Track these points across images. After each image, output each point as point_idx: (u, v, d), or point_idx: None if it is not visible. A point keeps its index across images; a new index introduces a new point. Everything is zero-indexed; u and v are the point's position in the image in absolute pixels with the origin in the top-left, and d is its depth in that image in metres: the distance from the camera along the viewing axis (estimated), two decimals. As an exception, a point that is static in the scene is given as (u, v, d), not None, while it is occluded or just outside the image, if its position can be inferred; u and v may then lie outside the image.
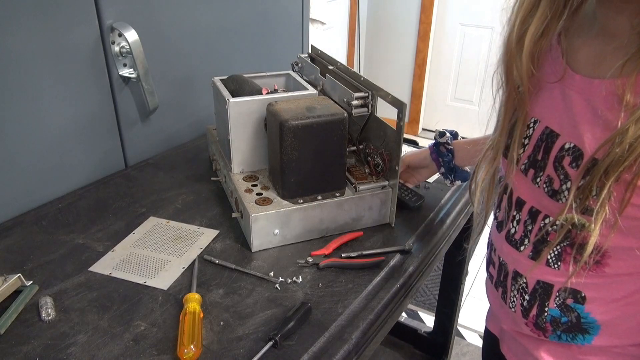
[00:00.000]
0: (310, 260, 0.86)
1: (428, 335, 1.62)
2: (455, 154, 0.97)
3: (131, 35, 1.07)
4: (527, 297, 0.67)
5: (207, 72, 1.28)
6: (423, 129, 3.71)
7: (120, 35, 1.07)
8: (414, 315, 2.04)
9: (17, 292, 0.77)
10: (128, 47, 1.08)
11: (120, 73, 1.12)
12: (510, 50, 0.62)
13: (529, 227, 0.65)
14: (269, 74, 1.13)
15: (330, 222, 0.93)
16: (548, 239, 0.62)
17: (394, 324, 0.83)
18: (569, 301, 0.62)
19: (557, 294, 0.63)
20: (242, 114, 0.96)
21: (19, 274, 0.77)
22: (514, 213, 0.67)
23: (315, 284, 0.81)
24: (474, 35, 3.26)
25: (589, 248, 0.55)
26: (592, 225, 0.54)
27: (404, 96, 3.56)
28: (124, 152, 1.20)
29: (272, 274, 0.83)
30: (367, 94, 0.95)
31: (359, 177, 0.97)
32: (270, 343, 0.68)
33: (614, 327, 0.62)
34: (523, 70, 0.61)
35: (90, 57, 1.05)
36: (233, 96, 0.96)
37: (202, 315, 0.73)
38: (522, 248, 0.66)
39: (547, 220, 0.62)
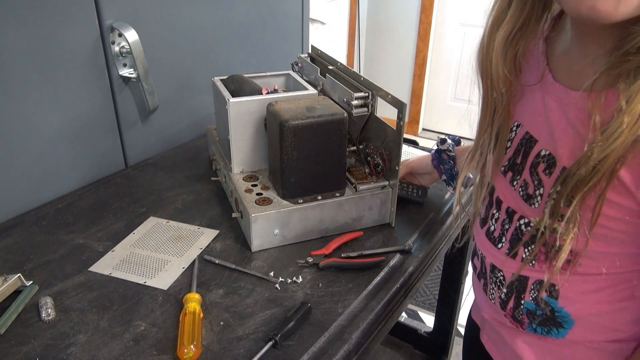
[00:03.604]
0: (310, 260, 0.86)
1: (428, 335, 1.62)
2: (457, 160, 0.97)
3: (131, 35, 1.07)
4: (504, 289, 0.69)
5: (207, 72, 1.29)
6: (423, 129, 3.71)
7: (120, 35, 1.07)
8: (414, 315, 2.04)
9: (17, 292, 0.77)
10: (128, 47, 1.08)
11: (120, 73, 1.12)
12: (482, 54, 0.62)
13: (506, 226, 0.67)
14: (269, 74, 1.13)
15: (330, 222, 0.93)
16: (522, 239, 0.64)
17: (394, 324, 0.83)
18: (543, 295, 0.64)
19: (532, 287, 0.65)
20: (242, 114, 0.96)
21: (19, 274, 0.78)
22: (494, 211, 0.70)
23: (315, 284, 0.81)
24: (474, 35, 3.25)
25: (563, 254, 0.57)
26: (565, 233, 0.55)
27: (404, 96, 3.56)
28: (124, 152, 1.20)
29: (272, 274, 0.83)
30: (367, 94, 0.95)
31: (359, 177, 0.97)
32: (270, 343, 0.68)
33: (587, 322, 0.63)
34: (495, 73, 0.61)
35: (90, 57, 1.05)
36: (233, 96, 0.96)
37: (202, 315, 0.73)
38: (499, 245, 0.68)
39: (522, 221, 0.64)
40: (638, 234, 0.55)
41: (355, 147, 1.03)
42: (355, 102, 0.94)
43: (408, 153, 1.27)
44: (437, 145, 0.99)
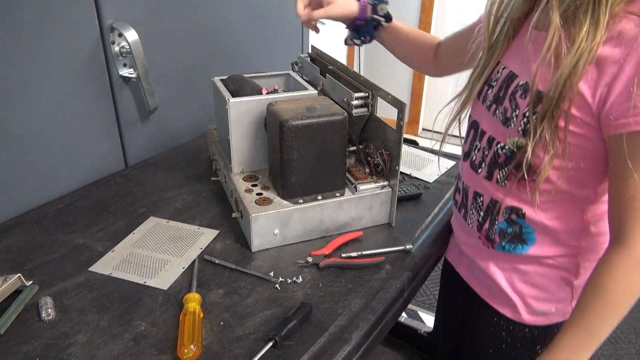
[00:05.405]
0: (310, 260, 0.86)
1: (428, 335, 1.62)
2: (380, 34, 1.10)
3: (131, 35, 1.07)
4: (482, 213, 0.81)
5: (207, 72, 1.28)
6: (423, 129, 3.71)
7: (120, 35, 1.07)
8: (414, 315, 2.04)
9: (17, 292, 0.77)
10: (128, 47, 1.08)
11: (120, 73, 1.12)
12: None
13: (486, 153, 0.78)
14: (269, 74, 1.13)
15: (330, 222, 0.93)
16: (499, 161, 0.76)
17: (394, 324, 0.83)
18: (513, 216, 0.77)
19: (505, 211, 0.77)
20: (242, 114, 0.96)
21: (19, 274, 0.78)
22: (477, 143, 0.81)
23: (315, 284, 0.81)
24: (474, 35, 3.25)
25: (543, 173, 0.68)
26: (543, 154, 0.68)
27: (404, 96, 3.56)
28: (124, 152, 1.20)
29: (272, 274, 0.83)
30: (367, 94, 0.95)
31: (359, 177, 0.97)
32: (271, 343, 0.68)
33: (545, 239, 0.76)
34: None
35: (90, 57, 1.05)
36: (233, 96, 0.96)
37: (202, 315, 0.73)
38: (479, 170, 0.80)
39: (499, 146, 0.75)
40: (591, 149, 0.67)
41: (355, 147, 1.03)
42: (355, 102, 0.94)
43: (408, 153, 1.27)
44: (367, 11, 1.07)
